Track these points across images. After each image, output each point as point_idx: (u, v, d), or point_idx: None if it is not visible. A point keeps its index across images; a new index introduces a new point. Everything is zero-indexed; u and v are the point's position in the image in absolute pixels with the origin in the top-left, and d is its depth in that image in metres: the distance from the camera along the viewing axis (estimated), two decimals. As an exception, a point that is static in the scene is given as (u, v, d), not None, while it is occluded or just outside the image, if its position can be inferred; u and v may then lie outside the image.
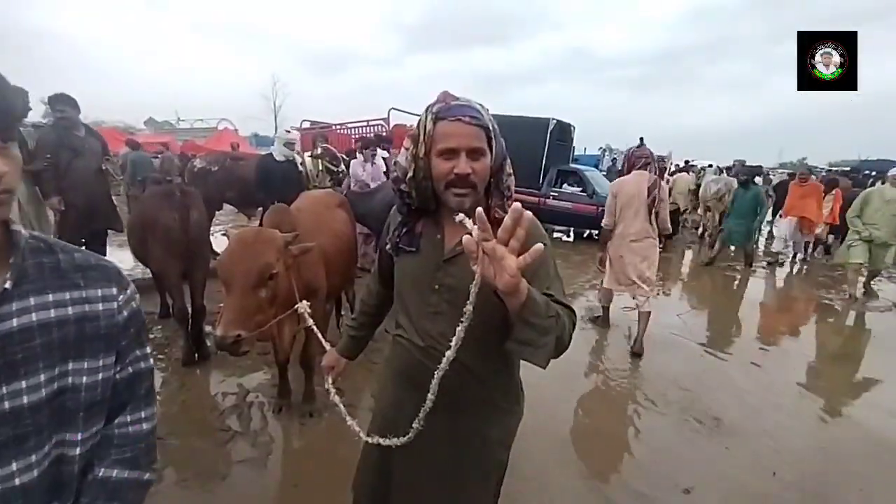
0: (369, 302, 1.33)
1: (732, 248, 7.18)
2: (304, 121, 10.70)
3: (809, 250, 7.68)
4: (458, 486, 1.11)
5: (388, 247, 1.11)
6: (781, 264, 7.27)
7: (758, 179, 9.41)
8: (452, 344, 0.86)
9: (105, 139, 4.20)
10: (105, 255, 4.20)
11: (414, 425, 1.01)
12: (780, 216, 7.55)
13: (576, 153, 11.87)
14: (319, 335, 1.60)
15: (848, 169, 15.75)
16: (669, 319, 4.35)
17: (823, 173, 17.67)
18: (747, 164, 12.55)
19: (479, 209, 0.71)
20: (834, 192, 7.29)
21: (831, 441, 2.59)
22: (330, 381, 1.37)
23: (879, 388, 3.33)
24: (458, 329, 0.84)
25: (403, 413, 1.09)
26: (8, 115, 0.60)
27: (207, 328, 3.18)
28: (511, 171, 1.04)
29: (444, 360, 0.89)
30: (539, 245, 0.69)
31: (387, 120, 8.55)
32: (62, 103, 3.63)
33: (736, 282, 6.33)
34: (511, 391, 1.12)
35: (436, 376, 0.92)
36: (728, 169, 11.27)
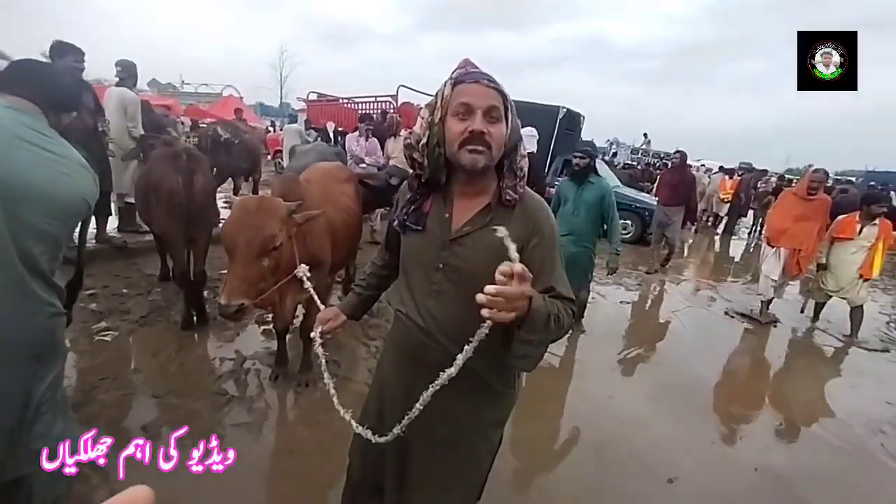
0: (379, 264, 1.34)
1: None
2: (311, 92, 10.55)
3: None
4: (451, 462, 1.14)
5: (395, 223, 1.12)
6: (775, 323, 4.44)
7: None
8: (458, 360, 0.90)
9: (97, 94, 3.79)
10: (109, 215, 4.18)
11: (395, 430, 1.06)
12: (765, 243, 4.53)
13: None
14: (317, 298, 1.55)
15: (853, 179, 15.66)
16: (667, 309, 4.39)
17: (828, 183, 17.65)
18: (754, 167, 12.43)
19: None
20: (878, 220, 4.10)
21: (815, 440, 2.65)
22: (318, 330, 1.27)
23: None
24: (467, 348, 0.88)
25: (401, 382, 1.14)
26: None
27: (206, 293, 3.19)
28: (525, 153, 1.03)
29: (454, 366, 0.91)
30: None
31: (395, 97, 8.43)
32: (74, 53, 3.29)
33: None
34: (507, 375, 1.13)
35: (435, 383, 0.94)
36: (730, 170, 11.04)
